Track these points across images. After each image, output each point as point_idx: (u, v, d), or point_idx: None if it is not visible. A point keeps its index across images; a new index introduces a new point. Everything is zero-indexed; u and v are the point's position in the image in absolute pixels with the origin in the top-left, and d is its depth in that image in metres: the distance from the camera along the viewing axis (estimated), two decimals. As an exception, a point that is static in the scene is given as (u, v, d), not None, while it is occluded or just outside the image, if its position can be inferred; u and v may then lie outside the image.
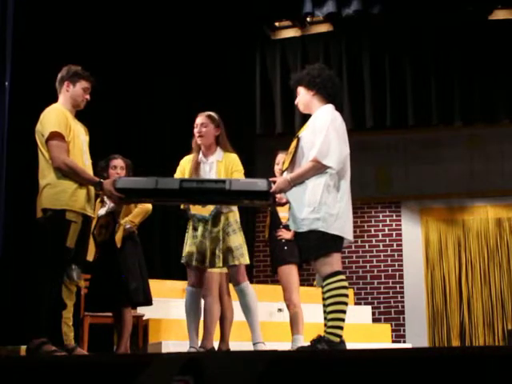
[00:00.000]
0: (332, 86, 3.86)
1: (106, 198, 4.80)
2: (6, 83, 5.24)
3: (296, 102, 3.97)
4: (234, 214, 4.56)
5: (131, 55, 7.26)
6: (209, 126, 4.56)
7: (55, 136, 3.96)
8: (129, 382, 2.75)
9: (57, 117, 4.02)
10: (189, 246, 4.51)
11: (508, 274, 8.48)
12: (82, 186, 4.01)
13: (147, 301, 5.07)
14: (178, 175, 4.62)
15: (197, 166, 4.55)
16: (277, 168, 5.13)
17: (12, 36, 5.34)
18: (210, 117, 4.59)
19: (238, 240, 4.50)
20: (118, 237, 4.93)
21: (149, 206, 5.08)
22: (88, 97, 4.20)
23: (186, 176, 4.53)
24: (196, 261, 4.45)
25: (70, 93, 4.14)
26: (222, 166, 4.52)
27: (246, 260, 4.54)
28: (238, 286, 4.52)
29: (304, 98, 3.90)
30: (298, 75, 3.98)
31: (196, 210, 4.47)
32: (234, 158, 4.58)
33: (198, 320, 4.63)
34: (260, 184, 3.76)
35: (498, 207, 8.78)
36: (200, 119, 4.58)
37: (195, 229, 4.51)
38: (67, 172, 3.95)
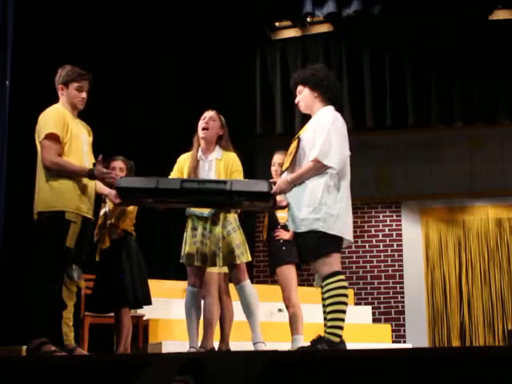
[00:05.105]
0: (335, 89, 3.91)
1: (107, 199, 4.79)
2: (7, 82, 5.24)
3: (297, 101, 3.96)
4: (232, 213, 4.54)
5: (131, 55, 7.26)
6: (216, 122, 4.54)
7: (49, 137, 3.97)
8: (129, 382, 2.75)
9: (54, 118, 4.03)
10: (189, 246, 4.47)
11: (508, 274, 8.47)
12: (80, 187, 4.01)
13: (136, 303, 5.03)
14: (175, 173, 4.58)
15: (196, 163, 4.51)
16: (273, 169, 5.12)
17: (13, 35, 5.34)
18: (218, 114, 4.58)
19: (238, 238, 4.48)
20: (101, 238, 4.93)
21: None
22: (84, 95, 4.18)
23: (185, 174, 4.50)
24: (198, 260, 4.42)
25: (66, 96, 4.16)
26: (221, 164, 4.50)
27: (248, 258, 4.52)
28: (239, 285, 4.50)
29: (307, 98, 3.90)
30: (301, 74, 3.96)
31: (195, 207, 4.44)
32: (233, 158, 4.55)
33: (198, 320, 4.60)
34: (261, 185, 3.77)
35: (498, 207, 8.78)
36: (209, 113, 4.54)
37: (194, 228, 4.47)
38: (57, 170, 3.95)
